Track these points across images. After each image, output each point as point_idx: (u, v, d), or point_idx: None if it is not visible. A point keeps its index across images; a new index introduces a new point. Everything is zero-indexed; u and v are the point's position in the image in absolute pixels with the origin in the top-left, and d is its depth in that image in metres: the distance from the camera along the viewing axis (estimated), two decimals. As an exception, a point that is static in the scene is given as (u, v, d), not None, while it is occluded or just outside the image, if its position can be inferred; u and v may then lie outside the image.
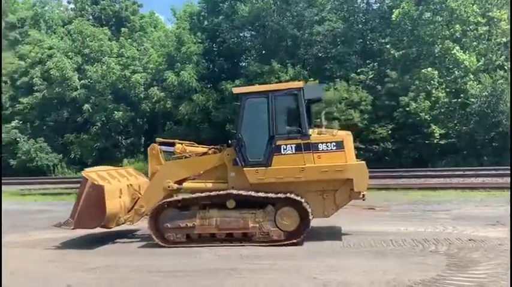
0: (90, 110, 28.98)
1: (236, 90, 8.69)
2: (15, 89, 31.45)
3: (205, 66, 29.82)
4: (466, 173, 18.41)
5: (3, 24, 37.43)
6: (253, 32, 31.32)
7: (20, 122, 30.07)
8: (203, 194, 7.95)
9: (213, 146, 8.73)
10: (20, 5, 40.63)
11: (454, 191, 14.38)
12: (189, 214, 7.94)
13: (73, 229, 8.47)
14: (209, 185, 8.22)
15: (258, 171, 7.78)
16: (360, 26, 29.43)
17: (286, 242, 7.64)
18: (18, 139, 29.08)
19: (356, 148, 26.44)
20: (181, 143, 8.93)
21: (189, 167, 8.49)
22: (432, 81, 24.04)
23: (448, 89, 24.52)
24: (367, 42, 29.50)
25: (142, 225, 8.90)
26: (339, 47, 28.79)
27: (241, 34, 31.40)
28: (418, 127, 24.66)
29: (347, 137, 7.94)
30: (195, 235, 7.92)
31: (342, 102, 25.21)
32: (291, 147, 7.73)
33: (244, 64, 31.82)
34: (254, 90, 8.48)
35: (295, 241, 7.61)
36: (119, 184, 8.74)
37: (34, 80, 30.00)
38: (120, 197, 8.52)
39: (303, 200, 7.68)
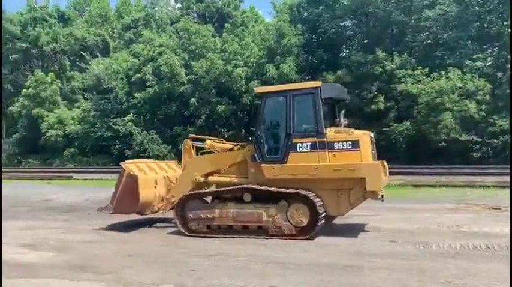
0: (196, 104, 30.32)
1: (258, 89, 9.10)
2: (130, 85, 34.07)
3: (304, 58, 29.53)
4: None
5: (119, 25, 40.90)
6: (355, 21, 30.26)
7: (135, 116, 32.46)
8: (221, 188, 8.58)
9: (238, 143, 9.16)
10: (133, 7, 44.13)
11: None
12: (209, 206, 8.50)
13: (111, 213, 9.32)
14: (232, 179, 8.66)
15: (274, 167, 8.08)
16: (477, 8, 26.76)
17: (297, 237, 7.78)
18: (132, 131, 31.49)
19: (471, 141, 24.40)
20: (211, 140, 9.46)
21: (215, 162, 9.04)
22: None
23: None
24: (485, 25, 26.74)
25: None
26: (451, 32, 26.52)
27: (341, 24, 30.56)
28: (547, 119, 21.81)
29: (364, 136, 7.95)
30: (215, 225, 8.39)
31: (455, 92, 23.24)
32: (307, 145, 7.91)
33: (344, 54, 31.01)
34: (274, 89, 8.86)
35: (306, 236, 7.74)
36: (155, 175, 9.42)
37: (146, 76, 32.16)
38: (155, 187, 9.16)
39: (314, 197, 7.79)
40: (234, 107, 30.56)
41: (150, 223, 10.02)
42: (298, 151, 7.93)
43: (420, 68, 24.65)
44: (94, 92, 35.42)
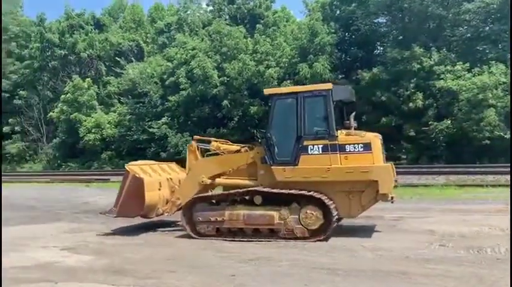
0: (229, 106, 30.30)
1: (267, 91, 8.87)
2: (164, 88, 34.43)
3: (338, 56, 29.02)
4: None
5: (153, 30, 41.55)
6: (389, 17, 29.48)
7: (169, 119, 32.76)
8: (232, 191, 8.38)
9: (245, 145, 9.08)
10: (166, 12, 44.70)
11: None
12: (219, 208, 8.34)
13: (115, 217, 9.19)
14: (240, 181, 8.56)
15: (285, 169, 8.01)
16: (520, -2, 25.44)
17: (310, 240, 7.67)
18: (167, 134, 31.81)
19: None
20: (217, 141, 9.38)
21: (222, 164, 8.91)
22: None
23: None
24: (530, 16, 25.37)
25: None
26: (492, 25, 25.34)
27: (375, 20, 29.90)
28: None
29: (375, 139, 7.91)
30: (225, 228, 8.27)
31: (499, 87, 22.15)
32: (318, 147, 7.86)
33: (379, 52, 30.32)
34: (284, 91, 8.91)
35: (319, 238, 7.66)
36: (159, 177, 9.32)
37: (180, 79, 32.35)
38: (159, 189, 9.06)
39: (326, 199, 7.72)
40: (266, 107, 30.25)
41: (162, 225, 9.93)
42: (310, 153, 7.89)
43: (460, 63, 23.65)
44: (129, 96, 36.02)
